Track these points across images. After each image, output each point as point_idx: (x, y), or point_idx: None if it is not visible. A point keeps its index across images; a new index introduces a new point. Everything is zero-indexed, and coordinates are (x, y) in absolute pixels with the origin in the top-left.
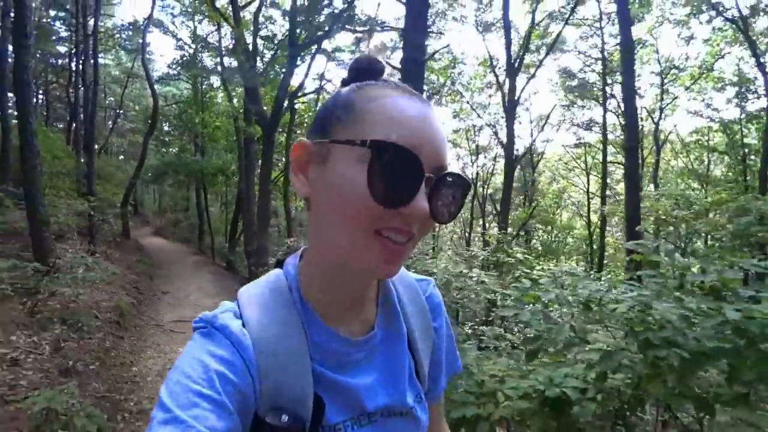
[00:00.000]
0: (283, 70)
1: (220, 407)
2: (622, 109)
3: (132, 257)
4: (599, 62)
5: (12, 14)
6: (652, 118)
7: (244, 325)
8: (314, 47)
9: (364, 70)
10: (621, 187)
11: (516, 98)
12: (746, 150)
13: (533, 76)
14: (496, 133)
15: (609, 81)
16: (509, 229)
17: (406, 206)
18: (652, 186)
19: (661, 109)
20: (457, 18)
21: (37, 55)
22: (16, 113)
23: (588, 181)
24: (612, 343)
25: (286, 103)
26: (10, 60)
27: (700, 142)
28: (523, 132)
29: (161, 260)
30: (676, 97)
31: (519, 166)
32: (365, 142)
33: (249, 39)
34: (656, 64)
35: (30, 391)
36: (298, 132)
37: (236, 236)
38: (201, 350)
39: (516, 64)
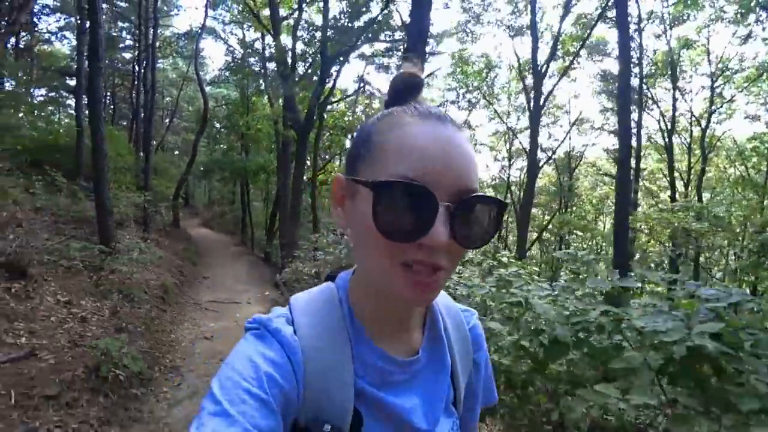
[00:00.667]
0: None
1: (266, 407)
2: (666, 115)
3: (179, 245)
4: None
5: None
6: (699, 123)
7: (295, 332)
8: (342, 59)
9: (401, 92)
10: (665, 194)
11: (542, 103)
12: None
13: (559, 80)
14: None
15: (647, 86)
16: (529, 235)
17: (425, 237)
18: (697, 195)
19: (710, 114)
20: (492, 21)
21: (106, 62)
22: (87, 119)
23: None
24: (499, 328)
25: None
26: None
27: (757, 149)
28: (562, 136)
29: (205, 248)
30: (729, 100)
31: (556, 171)
32: (370, 183)
33: (289, 43)
34: (707, 65)
35: (94, 339)
36: (328, 134)
37: (274, 230)
38: (253, 350)
39: (543, 69)
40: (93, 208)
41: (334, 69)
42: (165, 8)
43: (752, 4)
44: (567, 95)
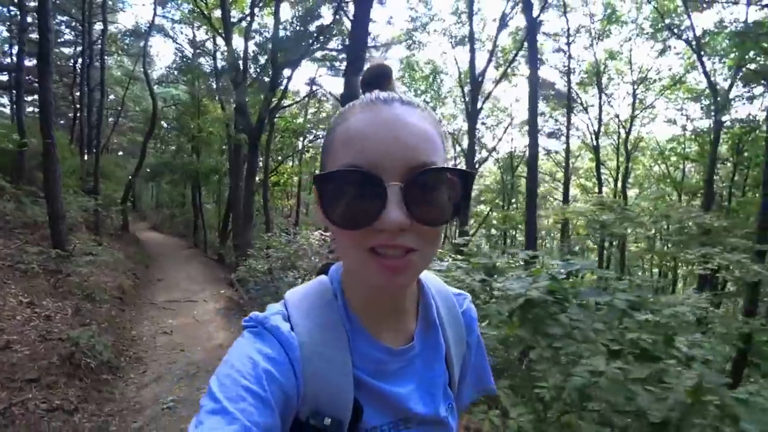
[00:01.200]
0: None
1: (265, 404)
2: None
3: (130, 248)
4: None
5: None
6: (625, 126)
7: (292, 328)
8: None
9: (370, 83)
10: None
11: (479, 107)
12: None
13: (495, 86)
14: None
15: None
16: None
17: (377, 221)
18: (623, 191)
19: (633, 117)
20: (438, 30)
21: None
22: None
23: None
24: None
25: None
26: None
27: (674, 149)
28: (507, 137)
29: (157, 252)
30: (649, 106)
31: (500, 170)
32: (313, 178)
33: (241, 45)
34: (630, 74)
35: (61, 335)
36: (279, 137)
37: (227, 231)
38: (251, 348)
39: (480, 77)
40: (41, 213)
41: (285, 74)
42: (110, 2)
43: (659, 25)
44: (510, 99)
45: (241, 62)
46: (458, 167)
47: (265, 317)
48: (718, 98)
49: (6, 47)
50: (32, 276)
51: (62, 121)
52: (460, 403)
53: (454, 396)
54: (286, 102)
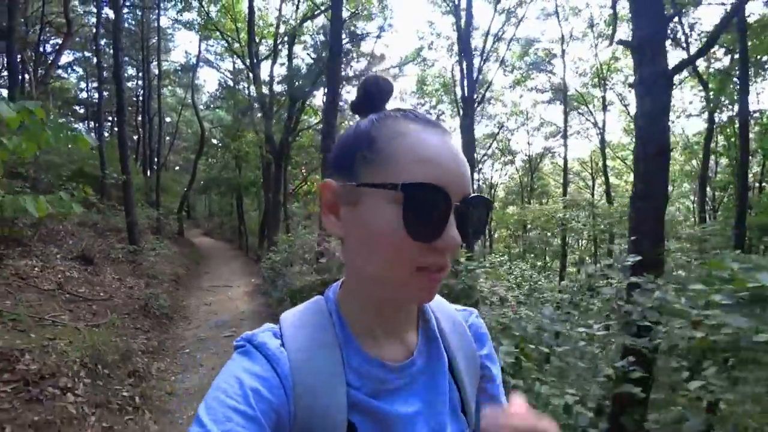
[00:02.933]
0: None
1: (253, 422)
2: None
3: (185, 249)
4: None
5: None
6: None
7: (283, 345)
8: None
9: (373, 94)
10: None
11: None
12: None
13: (485, 92)
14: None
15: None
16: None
17: (440, 239)
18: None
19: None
20: (444, 46)
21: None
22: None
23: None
24: None
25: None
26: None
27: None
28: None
29: (207, 252)
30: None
31: (517, 172)
32: (396, 185)
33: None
34: None
35: (139, 295)
36: (304, 153)
37: (264, 235)
38: (238, 367)
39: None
40: (121, 221)
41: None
42: (163, 44)
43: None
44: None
45: (267, 94)
46: (486, 197)
47: (253, 334)
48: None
49: (83, 84)
50: (119, 263)
51: (129, 144)
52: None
53: (472, 420)
54: (309, 121)
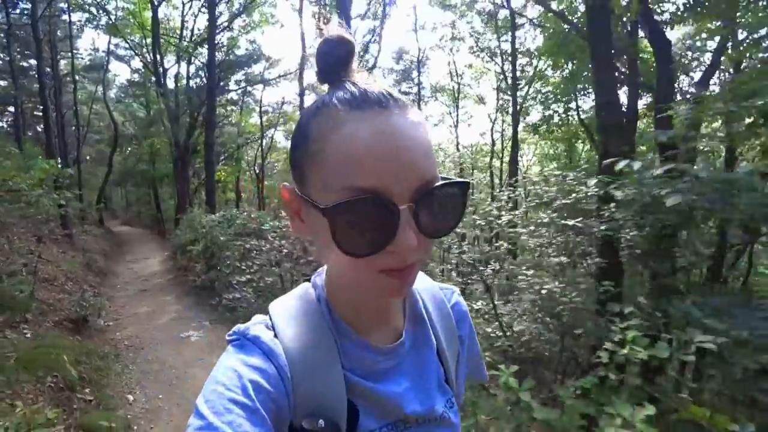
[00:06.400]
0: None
1: (254, 414)
2: None
3: (108, 236)
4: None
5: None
6: None
7: (276, 336)
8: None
9: (331, 63)
10: None
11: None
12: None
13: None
14: None
15: None
16: None
17: (391, 246)
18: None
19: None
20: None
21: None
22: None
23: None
24: None
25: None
26: None
27: None
28: None
29: (127, 239)
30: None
31: None
32: (320, 208)
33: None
34: None
35: (80, 261)
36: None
37: (179, 221)
38: (235, 360)
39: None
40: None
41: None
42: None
43: None
44: None
45: (173, 102)
46: (457, 179)
47: (246, 328)
48: None
49: None
50: (59, 242)
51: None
52: (458, 399)
53: (455, 389)
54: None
